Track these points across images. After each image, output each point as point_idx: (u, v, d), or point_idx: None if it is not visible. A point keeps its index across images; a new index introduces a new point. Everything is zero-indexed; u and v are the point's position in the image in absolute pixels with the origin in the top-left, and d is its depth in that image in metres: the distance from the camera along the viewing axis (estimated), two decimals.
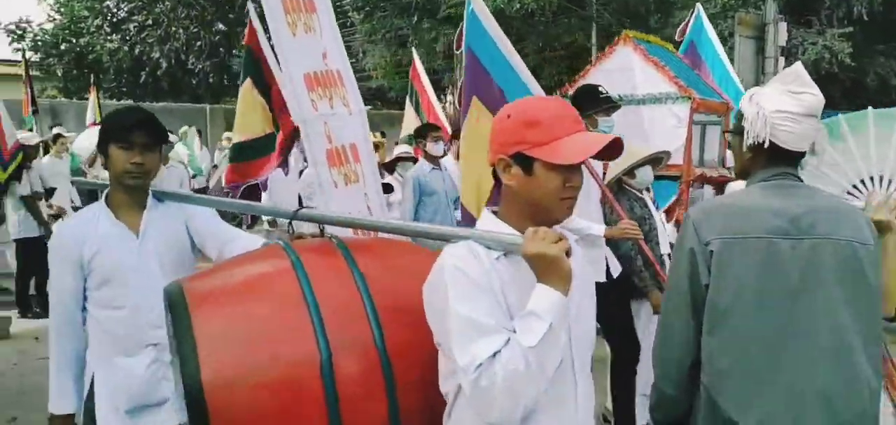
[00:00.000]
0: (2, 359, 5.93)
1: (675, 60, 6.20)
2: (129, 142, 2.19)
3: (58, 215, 7.86)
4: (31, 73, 14.53)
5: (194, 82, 18.14)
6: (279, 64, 4.72)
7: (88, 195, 7.49)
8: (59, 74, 18.34)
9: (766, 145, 1.90)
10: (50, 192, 7.95)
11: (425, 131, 5.95)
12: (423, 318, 1.48)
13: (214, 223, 2.41)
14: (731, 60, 17.97)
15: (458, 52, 3.66)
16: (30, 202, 7.02)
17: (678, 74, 5.64)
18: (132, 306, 2.24)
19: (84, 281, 2.25)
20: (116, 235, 2.25)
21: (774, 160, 1.94)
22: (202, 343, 1.47)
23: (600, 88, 4.16)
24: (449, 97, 28.77)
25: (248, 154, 5.35)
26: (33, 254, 7.06)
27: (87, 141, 9.88)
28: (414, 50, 6.29)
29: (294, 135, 4.95)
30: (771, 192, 1.94)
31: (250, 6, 5.44)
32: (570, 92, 4.80)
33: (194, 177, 10.01)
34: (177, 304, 1.56)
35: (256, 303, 1.59)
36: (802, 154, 1.96)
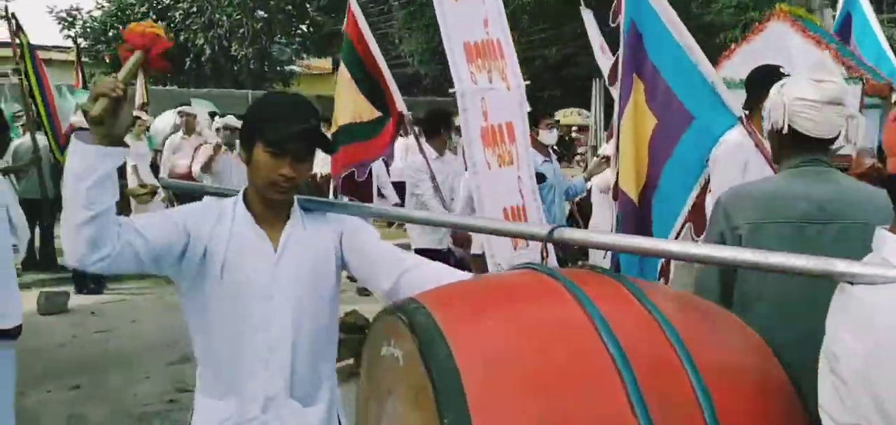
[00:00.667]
0: (62, 332, 6.26)
1: (832, 38, 5.54)
2: (282, 149, 1.75)
3: (152, 192, 8.38)
4: (84, 59, 15.02)
5: (235, 69, 18.50)
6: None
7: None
8: (107, 60, 18.86)
9: (786, 131, 1.97)
10: None
11: (537, 118, 5.09)
12: (755, 382, 1.26)
13: (379, 244, 1.95)
14: None
15: (613, 25, 3.19)
16: None
17: (843, 53, 5.12)
18: (250, 331, 1.81)
19: (179, 263, 1.80)
20: (253, 243, 1.83)
21: (802, 147, 2.00)
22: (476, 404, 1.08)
23: (781, 69, 3.79)
24: None
25: (355, 135, 5.08)
26: None
27: (162, 122, 10.48)
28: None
29: (400, 123, 4.91)
30: (799, 178, 2.00)
31: None
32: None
33: None
34: (432, 342, 1.16)
35: (543, 353, 1.19)
36: (831, 141, 2.00)
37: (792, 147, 2.01)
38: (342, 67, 5.15)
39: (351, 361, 5.02)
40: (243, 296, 1.80)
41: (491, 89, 2.70)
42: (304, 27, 20.33)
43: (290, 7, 18.30)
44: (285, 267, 1.83)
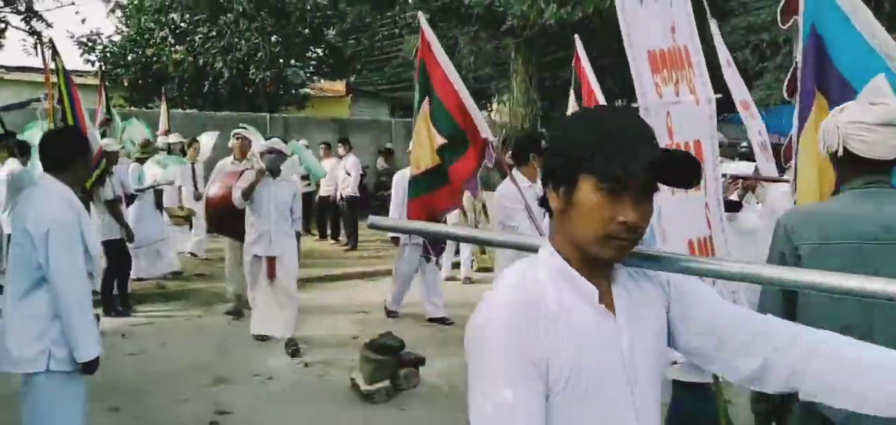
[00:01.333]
0: None
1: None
2: (623, 186, 1.23)
3: (188, 217, 8.62)
4: (97, 82, 15.22)
5: (251, 92, 18.68)
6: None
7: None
8: (125, 84, 19.09)
9: (841, 153, 2.02)
10: (130, 198, 8.42)
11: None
12: None
13: (720, 304, 1.44)
14: (785, 68, 17.56)
15: (784, 27, 2.72)
16: (112, 206, 7.41)
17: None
18: None
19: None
20: (592, 320, 1.30)
21: (863, 169, 2.04)
22: None
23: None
24: (495, 105, 28.97)
25: (425, 186, 4.90)
26: (115, 256, 7.49)
27: (204, 143, 10.87)
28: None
29: (483, 151, 4.59)
30: (862, 199, 2.04)
31: (420, 15, 5.10)
32: None
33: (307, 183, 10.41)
34: None
35: None
36: (891, 162, 2.04)
37: (851, 169, 2.06)
38: (423, 104, 4.84)
39: (387, 383, 5.07)
40: (594, 397, 1.27)
41: (677, 103, 2.41)
42: (319, 51, 20.53)
43: (307, 31, 18.49)
44: (630, 342, 1.33)
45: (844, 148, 2.02)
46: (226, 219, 6.67)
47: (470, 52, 13.80)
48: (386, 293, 7.86)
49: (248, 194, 6.07)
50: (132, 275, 8.15)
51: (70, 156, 3.21)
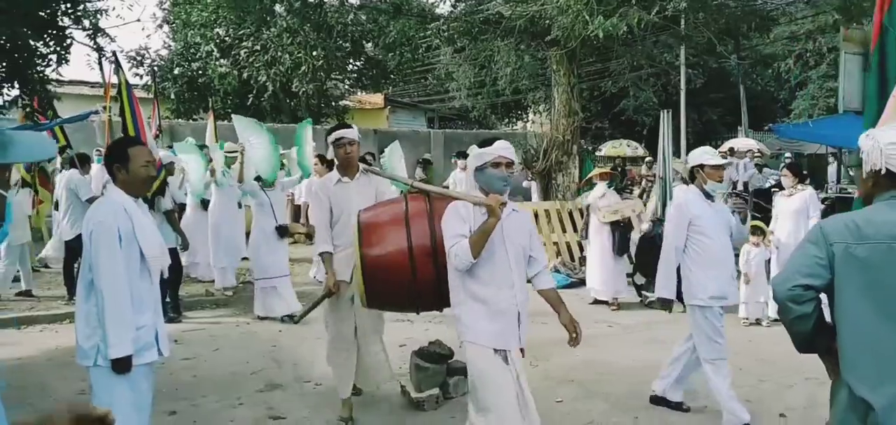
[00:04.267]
0: None
1: None
2: None
3: (310, 234, 8.72)
4: (148, 96, 15.70)
5: (293, 104, 19.05)
6: None
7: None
8: (172, 97, 19.64)
9: (884, 172, 2.29)
10: (182, 208, 8.70)
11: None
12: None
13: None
14: (835, 76, 17.35)
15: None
16: (170, 215, 7.68)
17: None
18: None
19: None
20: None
21: (894, 183, 2.31)
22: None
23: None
24: (531, 115, 28.98)
25: None
26: (172, 264, 7.72)
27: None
28: None
29: None
30: (891, 207, 2.30)
31: None
32: None
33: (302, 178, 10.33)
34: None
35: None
36: None
37: (886, 184, 2.32)
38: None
39: (437, 391, 5.14)
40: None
41: None
42: (358, 64, 20.84)
43: (348, 45, 18.81)
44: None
45: (885, 167, 2.30)
46: (402, 289, 3.91)
47: (507, 64, 13.87)
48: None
49: (481, 246, 3.34)
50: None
51: (118, 164, 3.35)
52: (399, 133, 19.28)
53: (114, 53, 7.34)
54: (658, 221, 8.85)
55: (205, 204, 9.20)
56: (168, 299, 7.95)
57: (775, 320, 7.61)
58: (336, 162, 4.81)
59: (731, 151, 18.89)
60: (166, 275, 3.81)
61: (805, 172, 9.56)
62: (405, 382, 5.39)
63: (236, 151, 8.44)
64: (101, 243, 3.20)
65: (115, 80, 7.33)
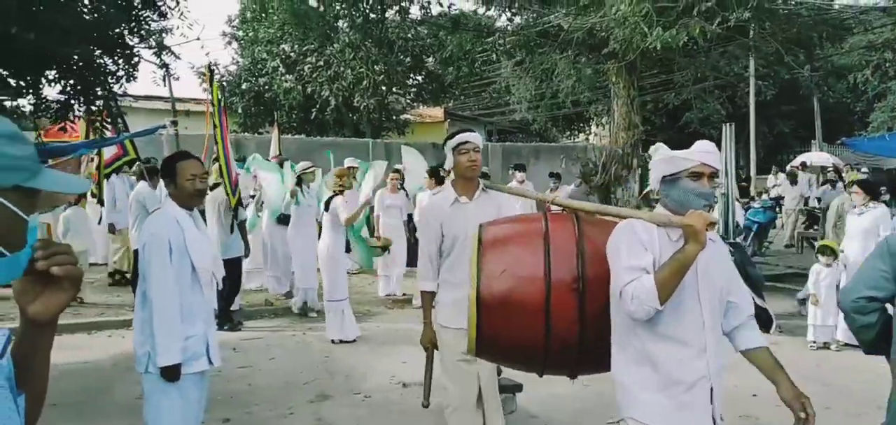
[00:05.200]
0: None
1: None
2: None
3: (386, 246, 8.79)
4: (224, 108, 16.21)
5: (355, 118, 19.40)
6: None
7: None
8: (239, 111, 20.30)
9: None
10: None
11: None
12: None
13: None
14: None
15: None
16: (241, 227, 7.94)
17: None
18: None
19: None
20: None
21: None
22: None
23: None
24: (593, 128, 28.57)
25: None
26: (235, 274, 7.93)
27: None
28: None
29: None
30: None
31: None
32: None
33: None
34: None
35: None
36: None
37: None
38: None
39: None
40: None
41: None
42: (419, 78, 21.08)
43: (408, 60, 19.05)
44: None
45: None
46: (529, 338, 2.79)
47: (568, 76, 13.71)
48: None
49: (674, 285, 2.41)
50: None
51: (167, 179, 3.49)
52: None
53: (209, 67, 7.63)
54: (723, 239, 8.58)
55: (283, 219, 9.09)
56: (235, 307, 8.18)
57: (845, 344, 7.23)
58: (453, 175, 3.85)
59: (803, 166, 18.17)
60: (220, 285, 3.87)
61: (882, 189, 9.09)
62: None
63: (311, 169, 8.68)
64: (153, 255, 3.32)
65: (206, 94, 7.64)
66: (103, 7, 6.51)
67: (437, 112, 24.74)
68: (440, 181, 9.91)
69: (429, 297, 3.77)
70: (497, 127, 27.06)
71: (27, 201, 1.17)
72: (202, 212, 4.96)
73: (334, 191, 7.67)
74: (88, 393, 5.88)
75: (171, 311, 3.29)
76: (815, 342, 7.43)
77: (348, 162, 10.25)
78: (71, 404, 5.59)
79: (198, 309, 3.42)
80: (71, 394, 5.80)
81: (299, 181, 8.51)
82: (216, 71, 20.51)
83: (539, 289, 2.64)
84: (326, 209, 7.64)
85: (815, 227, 14.22)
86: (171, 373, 3.30)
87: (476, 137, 3.78)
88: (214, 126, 7.13)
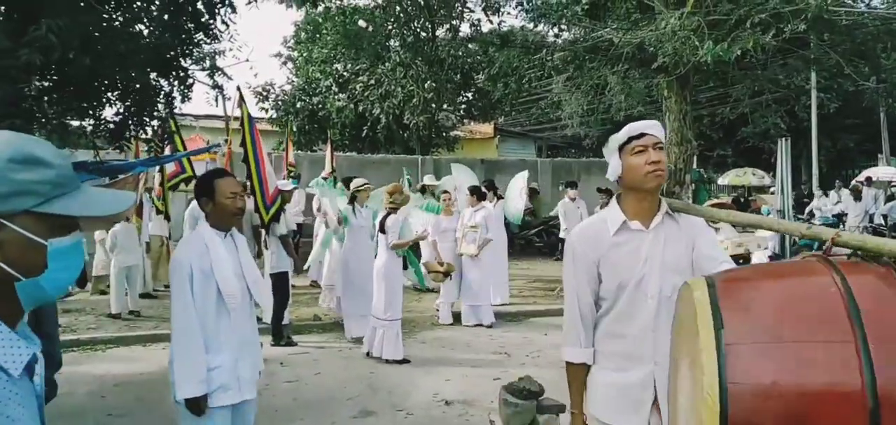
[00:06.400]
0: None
1: None
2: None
3: (448, 272, 8.75)
4: (270, 128, 16.66)
5: (405, 135, 19.60)
6: None
7: None
8: (294, 129, 20.77)
9: None
10: (294, 233, 9.09)
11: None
12: None
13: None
14: None
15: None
16: (284, 240, 8.02)
17: None
18: None
19: None
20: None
21: None
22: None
23: None
24: None
25: None
26: (282, 287, 8.06)
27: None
28: None
29: None
30: None
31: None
32: None
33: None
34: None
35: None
36: None
37: None
38: None
39: None
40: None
41: None
42: (469, 95, 21.17)
43: (457, 77, 19.18)
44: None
45: None
46: None
47: (621, 91, 13.54)
48: (526, 335, 7.81)
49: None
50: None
51: (205, 197, 3.34)
52: (507, 162, 19.30)
53: (238, 87, 7.84)
54: (776, 256, 8.31)
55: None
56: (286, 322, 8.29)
57: None
58: (621, 186, 2.53)
59: (869, 181, 17.44)
60: (261, 302, 3.77)
61: None
62: (495, 417, 5.32)
63: (365, 186, 8.43)
64: (174, 282, 3.22)
65: (238, 112, 7.82)
66: (158, 31, 6.80)
67: (487, 128, 24.76)
68: (482, 198, 9.87)
69: (580, 372, 2.53)
70: (548, 142, 26.90)
71: (47, 225, 1.18)
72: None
73: (387, 210, 7.60)
74: (142, 404, 6.07)
75: (189, 341, 3.15)
76: None
77: (427, 179, 10.27)
78: (126, 414, 5.79)
79: (225, 337, 3.25)
80: (126, 405, 6.00)
81: (353, 199, 8.35)
82: (270, 90, 21.14)
83: (855, 411, 1.46)
84: (381, 229, 7.55)
85: None
86: (193, 406, 3.15)
87: (657, 128, 2.47)
88: (243, 145, 7.27)
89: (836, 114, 24.91)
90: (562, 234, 12.78)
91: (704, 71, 10.92)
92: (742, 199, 22.05)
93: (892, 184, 16.92)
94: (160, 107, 7.42)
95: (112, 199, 1.31)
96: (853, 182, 18.08)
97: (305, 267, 10.32)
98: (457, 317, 9.32)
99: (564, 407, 5.34)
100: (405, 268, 8.21)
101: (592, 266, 2.48)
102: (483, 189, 10.12)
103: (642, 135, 2.43)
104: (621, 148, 2.47)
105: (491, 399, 5.81)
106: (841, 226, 14.80)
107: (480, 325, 9.07)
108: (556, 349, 7.46)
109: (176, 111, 8.10)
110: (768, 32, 8.78)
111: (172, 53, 7.15)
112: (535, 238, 16.62)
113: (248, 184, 7.32)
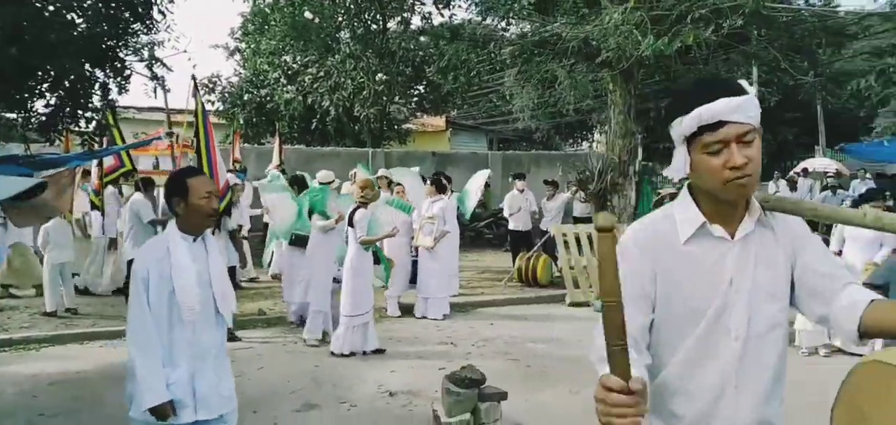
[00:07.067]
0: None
1: None
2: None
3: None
4: (216, 120, 16.35)
5: (356, 128, 19.47)
6: None
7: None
8: (241, 122, 20.41)
9: None
10: (239, 228, 8.97)
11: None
12: None
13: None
14: None
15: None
16: (233, 235, 7.93)
17: None
18: None
19: None
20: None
21: None
22: None
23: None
24: (597, 136, 28.51)
25: None
26: (230, 283, 7.92)
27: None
28: None
29: None
30: None
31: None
32: None
33: None
34: None
35: None
36: None
37: None
38: None
39: (468, 416, 5.08)
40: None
41: None
42: (421, 88, 21.14)
43: (409, 69, 19.12)
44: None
45: None
46: None
47: (572, 86, 13.74)
48: (472, 326, 7.88)
49: None
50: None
51: (170, 202, 3.09)
52: (458, 155, 19.38)
53: (193, 77, 7.66)
54: None
55: (298, 240, 8.46)
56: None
57: (836, 350, 7.19)
58: (693, 180, 1.79)
59: (806, 172, 18.10)
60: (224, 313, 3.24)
61: (888, 194, 9.01)
62: (437, 407, 5.35)
63: (331, 180, 8.28)
64: (131, 287, 3.01)
65: (192, 104, 7.64)
66: (93, 21, 6.59)
67: (439, 121, 24.78)
68: (442, 190, 9.81)
69: None
70: (500, 135, 27.08)
71: None
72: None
73: (358, 203, 7.46)
74: (79, 402, 5.91)
75: (147, 350, 2.92)
76: (806, 349, 7.37)
77: (382, 172, 10.21)
78: (59, 414, 5.63)
79: (180, 349, 2.98)
80: (60, 405, 5.83)
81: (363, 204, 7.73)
82: (217, 83, 20.71)
83: None
84: (350, 223, 7.41)
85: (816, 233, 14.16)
86: (160, 413, 2.92)
87: (745, 107, 1.64)
88: (196, 136, 7.13)
89: (776, 108, 25.73)
90: (511, 226, 12.90)
91: (648, 65, 11.16)
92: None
93: (828, 174, 17.60)
94: (95, 99, 7.19)
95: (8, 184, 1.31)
96: (790, 173, 18.76)
97: (267, 261, 10.21)
98: (407, 310, 9.32)
99: (506, 393, 5.42)
100: (377, 262, 8.09)
101: (648, 281, 1.74)
102: (443, 181, 10.04)
103: (720, 125, 1.63)
104: (689, 140, 1.70)
105: (435, 389, 5.83)
106: None
107: (426, 317, 9.10)
108: (502, 339, 7.57)
109: (113, 103, 7.85)
110: (708, 28, 9.03)
111: (108, 44, 6.93)
112: (485, 229, 16.74)
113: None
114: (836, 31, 12.56)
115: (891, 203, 15.60)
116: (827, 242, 12.02)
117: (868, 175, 17.22)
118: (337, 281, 7.72)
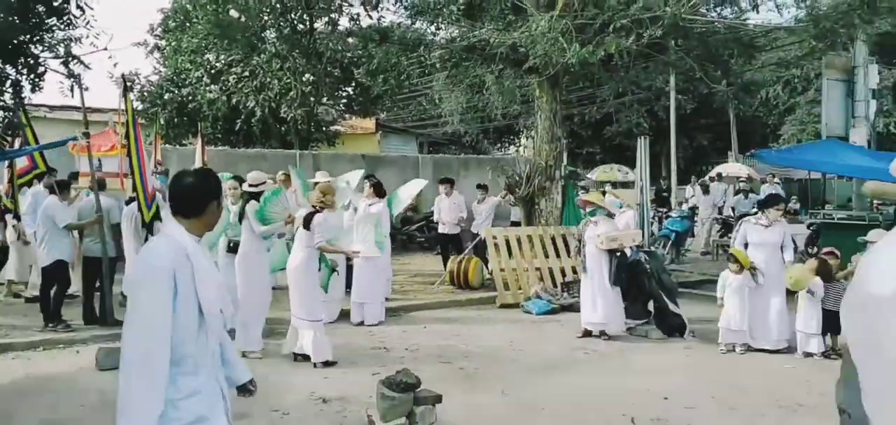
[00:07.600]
0: None
1: None
2: None
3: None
4: (140, 121, 15.69)
5: (283, 129, 19.15)
6: None
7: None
8: (162, 122, 19.72)
9: None
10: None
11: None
12: None
13: None
14: (818, 102, 17.46)
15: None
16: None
17: None
18: None
19: None
20: None
21: None
22: None
23: None
24: (524, 140, 29.01)
25: None
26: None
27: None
28: None
29: None
30: None
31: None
32: None
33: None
34: None
35: None
36: None
37: None
38: None
39: (403, 420, 5.10)
40: None
41: None
42: (349, 89, 20.98)
43: (337, 71, 18.95)
44: None
45: None
46: None
47: (499, 91, 13.93)
48: (405, 330, 7.89)
49: None
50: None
51: (203, 200, 2.74)
52: (388, 158, 19.34)
53: (123, 76, 7.37)
54: (638, 248, 8.87)
55: (236, 247, 7.82)
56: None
57: (750, 348, 7.59)
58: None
59: (719, 176, 19.02)
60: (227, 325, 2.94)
61: (794, 198, 9.61)
62: (372, 412, 5.35)
63: (264, 184, 7.81)
64: (146, 294, 2.54)
65: (115, 104, 7.39)
66: (4, 15, 6.23)
67: (369, 123, 24.66)
68: (381, 194, 9.71)
69: None
70: (429, 139, 27.20)
71: None
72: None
73: (314, 208, 7.24)
74: None
75: (144, 363, 2.44)
76: (725, 346, 7.75)
77: (320, 175, 10.00)
78: None
79: (203, 358, 2.62)
80: None
81: (255, 197, 7.58)
82: (135, 81, 19.91)
83: None
84: (305, 226, 7.18)
85: (730, 235, 14.90)
86: None
87: None
88: (126, 139, 6.89)
89: (692, 115, 26.97)
90: (441, 230, 12.98)
91: (573, 72, 11.48)
92: (604, 193, 23.37)
93: (741, 179, 18.55)
94: (7, 96, 6.80)
95: None
96: (704, 178, 19.65)
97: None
98: (344, 315, 9.20)
99: (441, 396, 5.46)
100: (318, 268, 7.87)
101: None
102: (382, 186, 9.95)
103: None
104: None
105: (369, 394, 5.82)
106: (695, 219, 16.05)
107: (364, 323, 8.99)
108: (435, 342, 7.60)
109: (26, 101, 7.45)
110: (629, 37, 9.37)
111: (20, 39, 6.57)
112: (416, 233, 16.79)
113: (132, 180, 6.95)
114: (747, 42, 13.25)
115: (797, 207, 16.54)
116: (814, 231, 12.60)
117: (777, 179, 18.26)
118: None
